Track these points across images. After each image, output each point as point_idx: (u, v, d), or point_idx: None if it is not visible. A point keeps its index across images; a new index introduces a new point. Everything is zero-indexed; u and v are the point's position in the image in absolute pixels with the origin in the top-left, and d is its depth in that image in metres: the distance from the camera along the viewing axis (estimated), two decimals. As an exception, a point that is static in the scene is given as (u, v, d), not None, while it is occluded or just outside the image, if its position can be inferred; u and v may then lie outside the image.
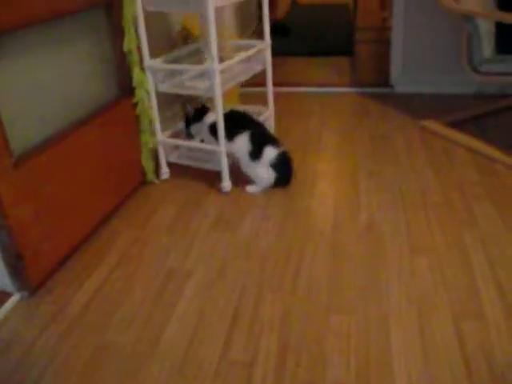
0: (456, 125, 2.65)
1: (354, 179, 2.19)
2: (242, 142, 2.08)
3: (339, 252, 1.74)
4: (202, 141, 2.25)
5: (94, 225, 1.94)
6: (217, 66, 1.92)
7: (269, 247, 1.79)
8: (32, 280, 1.63)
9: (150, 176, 2.24)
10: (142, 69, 2.06)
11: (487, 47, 2.32)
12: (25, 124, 1.63)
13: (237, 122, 2.11)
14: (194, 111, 2.24)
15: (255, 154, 2.06)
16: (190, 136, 2.27)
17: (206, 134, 2.20)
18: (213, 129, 2.11)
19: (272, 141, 2.09)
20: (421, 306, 1.47)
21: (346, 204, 2.02)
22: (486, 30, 2.32)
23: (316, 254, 1.73)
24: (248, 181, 2.15)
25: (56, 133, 1.76)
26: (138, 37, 2.04)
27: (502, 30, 2.34)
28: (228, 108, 2.15)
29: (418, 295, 1.52)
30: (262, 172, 2.08)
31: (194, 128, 2.25)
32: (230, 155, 2.13)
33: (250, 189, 2.14)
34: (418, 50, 3.15)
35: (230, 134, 2.08)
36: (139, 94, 2.06)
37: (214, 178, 2.22)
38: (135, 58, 2.01)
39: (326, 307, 1.50)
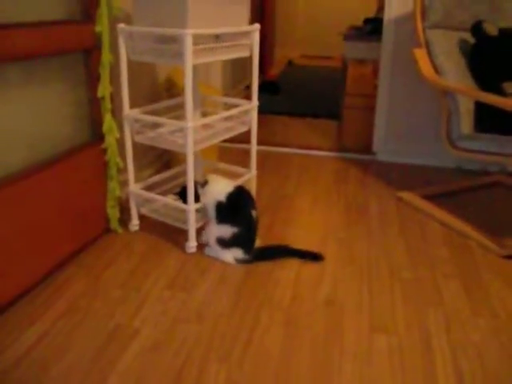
0: (433, 198, 2.62)
1: (322, 248, 2.13)
2: (226, 231, 1.96)
3: (294, 325, 1.65)
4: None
5: (47, 270, 1.85)
6: (190, 124, 1.89)
7: (222, 312, 1.71)
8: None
9: (114, 224, 2.17)
10: (114, 116, 2.03)
11: (466, 124, 2.32)
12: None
13: (237, 211, 1.97)
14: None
15: (223, 244, 1.99)
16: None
17: (210, 207, 2.01)
18: (219, 207, 1.98)
19: (247, 247, 1.99)
20: (373, 391, 1.38)
21: (309, 274, 1.95)
22: (465, 106, 2.33)
23: (270, 326, 1.64)
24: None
25: (17, 172, 1.70)
26: (120, 85, 2.02)
27: (481, 108, 2.35)
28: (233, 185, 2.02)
29: (371, 378, 1.43)
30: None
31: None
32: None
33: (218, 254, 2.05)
34: (402, 119, 3.17)
35: (221, 219, 1.97)
36: (109, 140, 2.02)
37: (183, 235, 2.15)
38: (107, 104, 1.98)
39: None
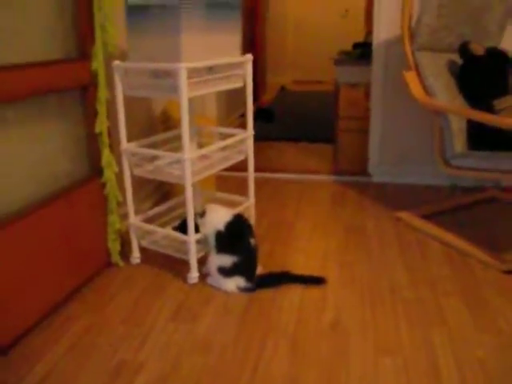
0: (431, 217, 2.64)
1: (323, 272, 2.13)
2: (226, 260, 1.98)
3: (300, 351, 1.65)
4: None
5: (48, 307, 1.85)
6: (187, 156, 1.92)
7: (228, 342, 1.70)
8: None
9: (115, 258, 2.18)
10: (112, 150, 2.05)
11: (458, 142, 2.36)
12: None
13: (236, 240, 1.99)
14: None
15: (224, 273, 2.00)
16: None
17: (210, 237, 2.02)
18: (218, 236, 1.99)
19: (248, 275, 2.00)
20: (382, 415, 1.38)
21: (312, 298, 1.95)
22: (457, 125, 2.37)
23: (276, 352, 1.64)
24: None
25: (18, 209, 1.72)
26: (117, 120, 2.06)
27: (473, 126, 2.39)
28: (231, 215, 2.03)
29: (379, 402, 1.43)
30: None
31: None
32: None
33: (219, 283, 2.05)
34: (395, 141, 3.21)
35: (220, 249, 1.99)
36: (107, 174, 2.04)
37: (184, 266, 2.15)
38: (105, 139, 2.01)
39: (281, 412, 1.40)
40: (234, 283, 1.99)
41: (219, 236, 1.98)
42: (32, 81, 1.70)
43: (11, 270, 1.65)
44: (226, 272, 1.98)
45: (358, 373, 1.54)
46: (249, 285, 1.99)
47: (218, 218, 2.01)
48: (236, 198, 2.46)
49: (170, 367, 1.59)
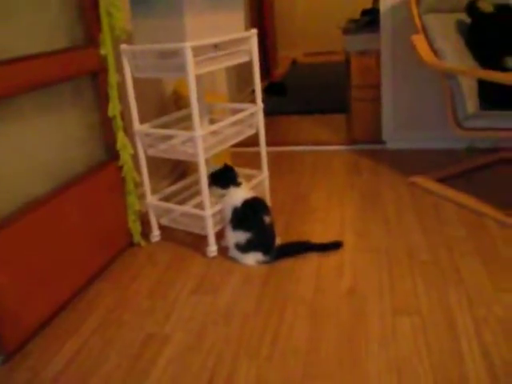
0: (446, 180, 2.64)
1: (340, 239, 2.16)
2: (240, 236, 2.02)
3: (319, 317, 1.70)
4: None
5: (77, 287, 1.93)
6: (199, 133, 1.95)
7: (249, 312, 1.76)
8: (8, 345, 1.61)
9: (137, 238, 2.24)
10: (126, 133, 2.10)
11: (470, 103, 2.34)
12: (7, 188, 1.66)
13: (249, 217, 2.02)
14: (218, 172, 2.10)
15: (241, 250, 2.04)
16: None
17: (227, 210, 2.07)
18: (235, 213, 2.03)
19: (266, 249, 2.04)
20: (401, 373, 1.42)
21: (329, 266, 1.99)
22: (468, 86, 2.35)
23: (296, 319, 1.69)
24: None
25: (39, 197, 1.78)
26: (128, 102, 2.10)
27: (484, 86, 2.37)
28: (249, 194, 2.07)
29: (398, 359, 1.46)
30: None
31: (214, 190, 2.09)
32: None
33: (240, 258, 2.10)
34: (408, 106, 3.19)
35: (235, 225, 2.03)
36: (123, 157, 2.09)
37: (203, 241, 2.21)
38: (119, 122, 2.06)
39: (303, 374, 1.45)
40: (253, 257, 2.03)
41: (235, 212, 2.02)
42: (45, 70, 1.74)
43: (38, 255, 1.72)
44: (242, 248, 2.03)
45: (376, 333, 1.58)
46: (267, 258, 2.03)
47: (238, 195, 2.05)
48: (250, 171, 2.49)
49: (194, 338, 1.65)
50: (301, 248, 2.10)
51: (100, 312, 1.84)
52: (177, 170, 3.06)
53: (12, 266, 1.61)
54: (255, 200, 2.05)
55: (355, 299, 1.76)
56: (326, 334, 1.61)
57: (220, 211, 2.11)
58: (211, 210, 2.07)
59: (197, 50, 1.90)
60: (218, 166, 2.14)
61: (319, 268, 1.98)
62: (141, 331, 1.71)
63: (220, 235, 2.16)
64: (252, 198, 2.04)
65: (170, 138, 2.19)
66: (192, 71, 1.87)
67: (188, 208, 2.19)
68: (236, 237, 2.02)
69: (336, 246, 2.09)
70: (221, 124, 2.12)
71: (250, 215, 2.02)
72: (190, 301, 1.85)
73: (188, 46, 1.83)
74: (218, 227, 2.18)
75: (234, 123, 2.24)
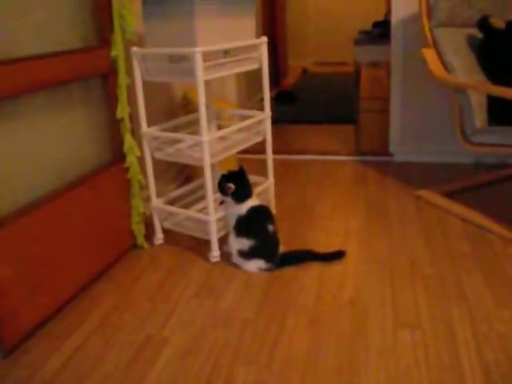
0: (452, 195, 2.63)
1: (344, 250, 2.16)
2: (243, 243, 2.01)
3: (320, 326, 1.69)
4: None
5: (78, 287, 1.93)
6: (206, 138, 1.96)
7: (249, 317, 1.75)
8: (7, 342, 1.62)
9: (140, 240, 2.25)
10: (133, 135, 2.11)
11: (479, 118, 2.34)
12: (14, 185, 1.67)
13: (252, 224, 2.02)
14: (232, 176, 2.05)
15: (244, 256, 2.04)
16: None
17: (231, 216, 2.06)
18: (239, 220, 2.02)
19: (268, 257, 2.04)
20: (399, 385, 1.41)
21: (332, 275, 1.99)
22: (477, 101, 2.35)
23: (296, 328, 1.69)
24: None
25: (45, 195, 1.79)
26: (137, 104, 2.11)
27: (493, 101, 2.36)
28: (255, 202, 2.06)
29: (397, 372, 1.45)
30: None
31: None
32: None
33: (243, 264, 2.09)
34: (416, 119, 3.19)
35: (238, 232, 2.03)
36: (130, 159, 2.10)
37: (206, 246, 2.21)
38: (127, 124, 2.07)
39: (301, 383, 1.44)
40: (255, 264, 2.03)
41: (239, 220, 2.02)
42: (56, 69, 1.76)
43: (41, 253, 1.73)
44: (245, 255, 2.03)
45: (376, 345, 1.57)
46: (270, 265, 2.03)
47: (245, 204, 2.03)
48: (256, 178, 2.49)
49: (193, 342, 1.65)
50: (304, 257, 2.10)
51: (100, 312, 1.84)
52: (182, 174, 3.06)
53: (16, 261, 1.62)
54: (260, 208, 2.05)
55: (356, 310, 1.76)
56: (325, 343, 1.60)
57: (224, 217, 2.11)
58: (215, 215, 2.07)
59: (207, 56, 1.91)
60: (223, 171, 2.14)
61: (321, 277, 1.98)
62: (140, 333, 1.71)
63: (223, 241, 2.16)
64: (257, 206, 2.04)
65: (177, 141, 2.20)
66: (201, 77, 1.88)
67: (192, 212, 2.20)
68: (239, 243, 2.02)
69: (339, 255, 2.08)
70: (228, 130, 2.13)
71: (253, 223, 2.02)
72: (190, 304, 1.85)
73: (198, 51, 1.84)
74: (222, 233, 2.18)
75: (242, 130, 2.24)
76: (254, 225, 2.02)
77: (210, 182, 2.03)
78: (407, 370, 1.47)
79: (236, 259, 2.08)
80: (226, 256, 2.14)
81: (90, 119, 2.02)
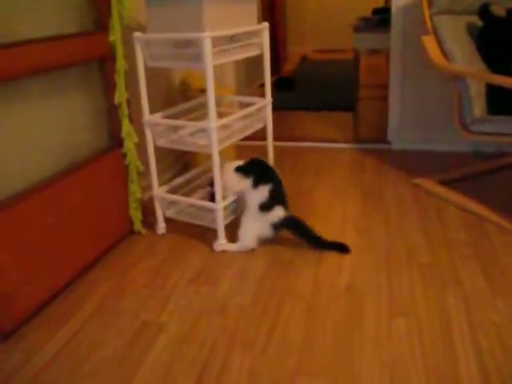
0: (450, 183, 2.64)
1: (341, 237, 2.16)
2: (263, 191, 2.05)
3: (316, 313, 1.70)
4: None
5: (75, 272, 1.93)
6: (214, 125, 1.94)
7: (245, 304, 1.76)
8: (3, 327, 1.62)
9: (137, 226, 2.25)
10: (131, 121, 2.09)
11: (478, 107, 2.33)
12: (10, 170, 1.66)
13: (264, 172, 2.10)
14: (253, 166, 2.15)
15: (265, 208, 2.05)
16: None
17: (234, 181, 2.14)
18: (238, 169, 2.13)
19: (284, 202, 2.09)
20: (394, 374, 1.42)
21: (329, 262, 1.99)
22: (476, 90, 2.34)
23: (292, 314, 1.70)
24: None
25: (42, 180, 1.78)
26: (139, 91, 2.09)
27: (492, 90, 2.35)
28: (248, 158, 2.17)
29: (392, 360, 1.47)
30: (257, 227, 2.07)
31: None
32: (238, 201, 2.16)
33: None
34: (415, 107, 3.18)
35: (256, 181, 2.07)
36: (128, 144, 2.09)
37: (207, 233, 2.22)
38: (125, 110, 2.05)
39: (296, 369, 1.45)
40: (276, 214, 2.04)
41: (239, 169, 2.11)
42: (53, 54, 1.74)
43: (38, 238, 1.72)
44: (266, 205, 2.04)
45: (371, 333, 1.58)
46: (288, 213, 2.07)
47: (235, 163, 2.15)
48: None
49: (189, 328, 1.65)
50: (308, 234, 2.09)
51: (97, 298, 1.84)
52: (180, 162, 3.05)
53: (13, 246, 1.62)
54: (256, 159, 2.15)
55: (353, 297, 1.76)
56: (321, 330, 1.61)
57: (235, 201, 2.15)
58: (222, 203, 2.07)
59: (214, 41, 1.87)
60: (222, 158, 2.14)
61: (318, 264, 1.98)
62: (136, 319, 1.71)
63: (228, 228, 2.15)
64: (251, 159, 2.15)
65: (179, 128, 2.17)
66: (210, 62, 1.85)
67: (197, 201, 2.18)
68: (259, 195, 2.04)
69: (343, 249, 2.07)
70: (233, 117, 2.10)
71: (260, 168, 2.09)
72: (187, 291, 1.85)
73: (208, 35, 1.81)
74: (228, 220, 2.18)
75: (244, 117, 2.23)
76: (270, 171, 2.09)
77: (217, 169, 2.01)
78: (402, 357, 1.48)
79: (245, 242, 2.08)
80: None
81: (87, 105, 2.00)
